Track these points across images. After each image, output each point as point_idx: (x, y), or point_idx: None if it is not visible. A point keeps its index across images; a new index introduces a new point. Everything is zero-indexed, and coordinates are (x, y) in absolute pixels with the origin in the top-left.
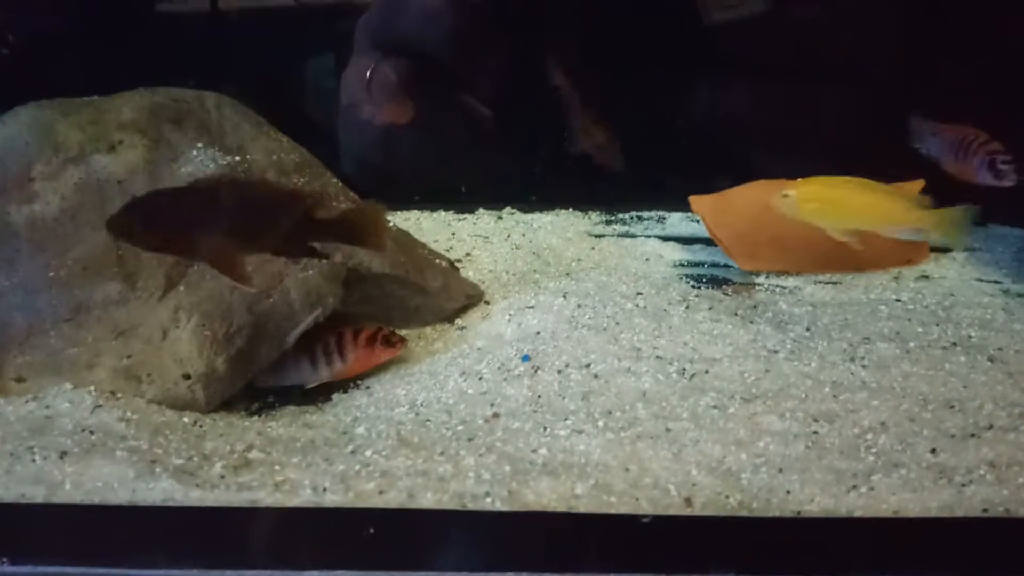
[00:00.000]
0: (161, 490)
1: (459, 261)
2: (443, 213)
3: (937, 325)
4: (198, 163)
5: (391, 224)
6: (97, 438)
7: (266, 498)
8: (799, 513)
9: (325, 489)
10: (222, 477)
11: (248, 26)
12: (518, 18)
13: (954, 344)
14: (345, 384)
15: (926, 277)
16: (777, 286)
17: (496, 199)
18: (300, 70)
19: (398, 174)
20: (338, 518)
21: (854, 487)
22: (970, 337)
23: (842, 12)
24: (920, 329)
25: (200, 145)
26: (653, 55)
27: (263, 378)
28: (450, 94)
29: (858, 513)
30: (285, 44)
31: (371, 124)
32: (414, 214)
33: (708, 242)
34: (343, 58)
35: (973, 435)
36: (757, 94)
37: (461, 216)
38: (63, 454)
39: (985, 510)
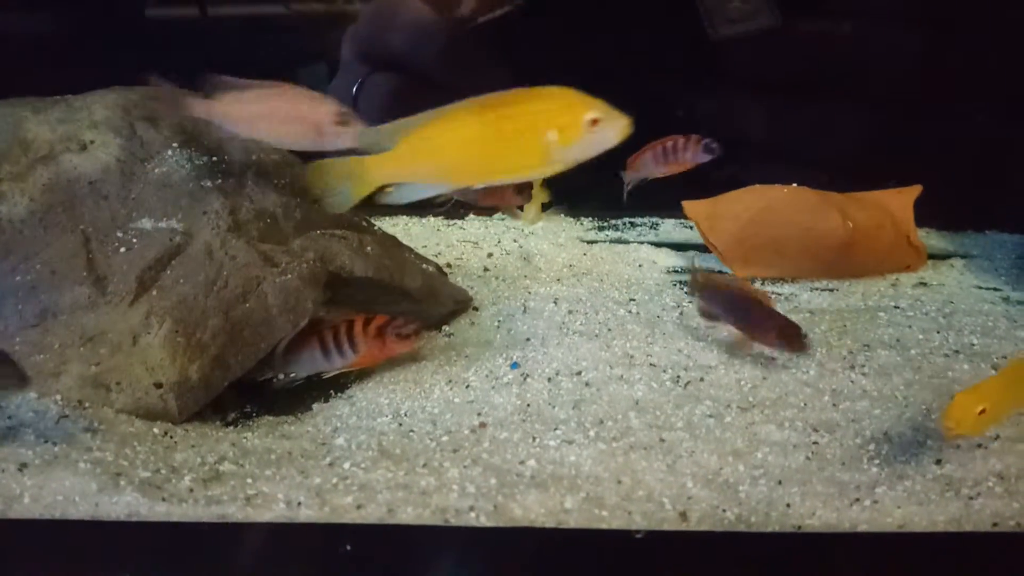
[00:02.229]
0: (125, 504)
1: (448, 266)
2: (432, 219)
3: (938, 332)
4: (173, 163)
5: (377, 228)
6: (60, 449)
7: (236, 513)
8: (800, 528)
9: (300, 503)
10: (191, 491)
11: (239, 32)
12: (509, 33)
13: (956, 351)
14: (326, 392)
15: (924, 284)
16: (773, 293)
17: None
18: (292, 78)
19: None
20: (312, 534)
21: (857, 500)
22: (972, 344)
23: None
24: (921, 336)
25: (176, 144)
26: (653, 61)
27: (278, 366)
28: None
29: (862, 527)
30: (276, 51)
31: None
32: (402, 219)
33: (702, 248)
34: (334, 67)
35: (980, 445)
36: (756, 103)
37: (451, 221)
38: (23, 466)
39: (995, 524)
